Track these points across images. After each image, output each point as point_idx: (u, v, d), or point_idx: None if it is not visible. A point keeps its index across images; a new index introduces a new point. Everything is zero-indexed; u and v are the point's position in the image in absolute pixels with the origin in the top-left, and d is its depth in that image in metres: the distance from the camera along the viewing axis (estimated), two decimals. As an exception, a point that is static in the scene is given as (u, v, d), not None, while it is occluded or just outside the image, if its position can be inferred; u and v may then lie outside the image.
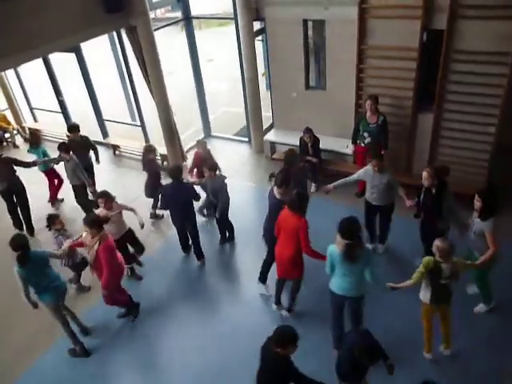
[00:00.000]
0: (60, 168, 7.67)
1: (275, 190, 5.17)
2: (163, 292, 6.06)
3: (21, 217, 7.41)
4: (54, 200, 8.20)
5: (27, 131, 11.00)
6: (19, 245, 4.59)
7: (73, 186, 7.31)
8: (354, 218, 4.22)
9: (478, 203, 4.55)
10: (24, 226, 7.44)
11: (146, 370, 5.10)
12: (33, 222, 7.43)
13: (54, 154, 7.73)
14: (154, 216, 7.41)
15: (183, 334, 5.44)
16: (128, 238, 6.02)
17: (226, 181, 6.24)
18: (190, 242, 6.45)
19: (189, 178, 6.91)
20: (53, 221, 5.59)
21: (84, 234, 5.21)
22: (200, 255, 6.41)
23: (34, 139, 8.21)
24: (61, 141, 7.73)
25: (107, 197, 5.63)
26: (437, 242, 4.16)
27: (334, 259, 4.31)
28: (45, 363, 5.27)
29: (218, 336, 5.33)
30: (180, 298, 5.95)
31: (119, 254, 5.33)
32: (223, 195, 6.15)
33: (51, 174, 8.03)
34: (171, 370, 5.04)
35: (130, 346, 5.36)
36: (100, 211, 5.52)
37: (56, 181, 8.09)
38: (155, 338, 5.44)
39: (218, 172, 6.21)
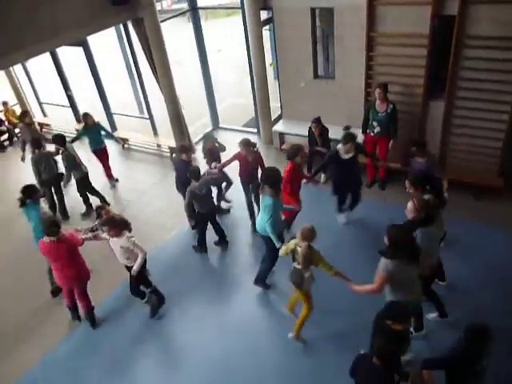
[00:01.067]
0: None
1: (341, 147, 6.00)
2: (170, 287, 6.01)
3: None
4: (110, 177, 8.34)
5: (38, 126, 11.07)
6: (23, 190, 5.58)
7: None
8: (275, 168, 5.18)
9: (385, 239, 3.93)
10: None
11: (154, 363, 5.13)
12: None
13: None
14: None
15: (193, 328, 5.45)
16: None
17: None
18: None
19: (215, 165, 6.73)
20: (99, 212, 5.68)
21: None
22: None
23: (86, 120, 7.83)
24: (71, 135, 7.81)
25: (112, 225, 4.97)
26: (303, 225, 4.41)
27: None
28: (56, 355, 5.33)
29: (227, 329, 5.34)
30: (186, 293, 5.92)
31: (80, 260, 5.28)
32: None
33: (100, 153, 8.05)
34: (182, 363, 5.06)
35: (140, 340, 5.39)
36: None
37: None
38: (165, 332, 5.47)
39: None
